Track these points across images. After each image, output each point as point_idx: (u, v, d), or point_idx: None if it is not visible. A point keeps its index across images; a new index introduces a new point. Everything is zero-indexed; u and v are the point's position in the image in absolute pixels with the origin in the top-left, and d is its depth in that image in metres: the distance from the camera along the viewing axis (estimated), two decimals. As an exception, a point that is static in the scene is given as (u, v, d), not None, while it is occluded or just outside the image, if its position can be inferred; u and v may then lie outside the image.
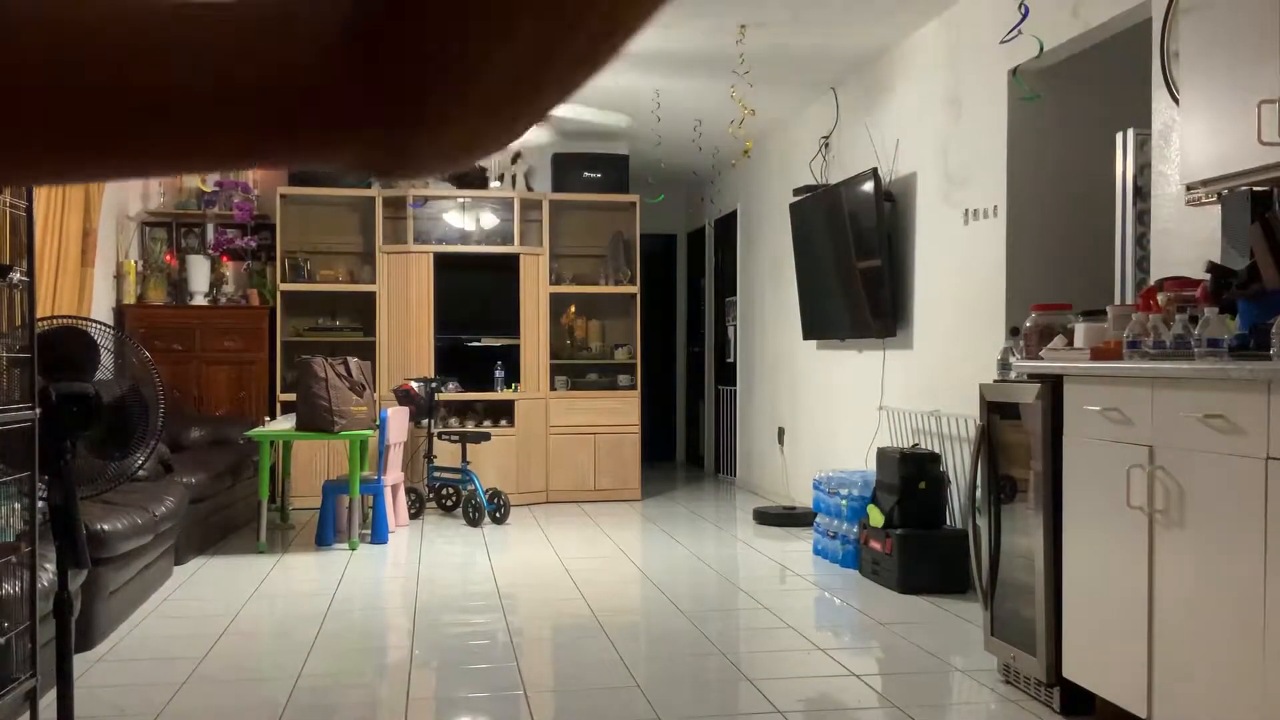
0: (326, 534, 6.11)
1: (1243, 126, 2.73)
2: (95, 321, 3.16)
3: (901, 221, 5.68)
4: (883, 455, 5.06)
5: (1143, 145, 3.70)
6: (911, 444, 5.46)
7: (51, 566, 2.99)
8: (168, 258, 7.68)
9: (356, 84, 0.33)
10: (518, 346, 7.78)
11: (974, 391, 3.86)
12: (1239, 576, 2.37)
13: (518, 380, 7.73)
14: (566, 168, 8.02)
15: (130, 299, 7.47)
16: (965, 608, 4.44)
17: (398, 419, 6.55)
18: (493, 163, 7.88)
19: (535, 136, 6.59)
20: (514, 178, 7.95)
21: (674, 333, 10.79)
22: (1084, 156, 4.57)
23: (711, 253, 9.84)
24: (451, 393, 7.61)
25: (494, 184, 7.92)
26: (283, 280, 7.55)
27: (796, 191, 6.89)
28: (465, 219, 7.95)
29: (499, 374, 7.70)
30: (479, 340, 7.83)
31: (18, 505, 2.90)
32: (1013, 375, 3.54)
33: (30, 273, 2.92)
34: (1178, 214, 3.50)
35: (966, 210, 5.02)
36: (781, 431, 7.77)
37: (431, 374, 7.48)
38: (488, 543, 6.19)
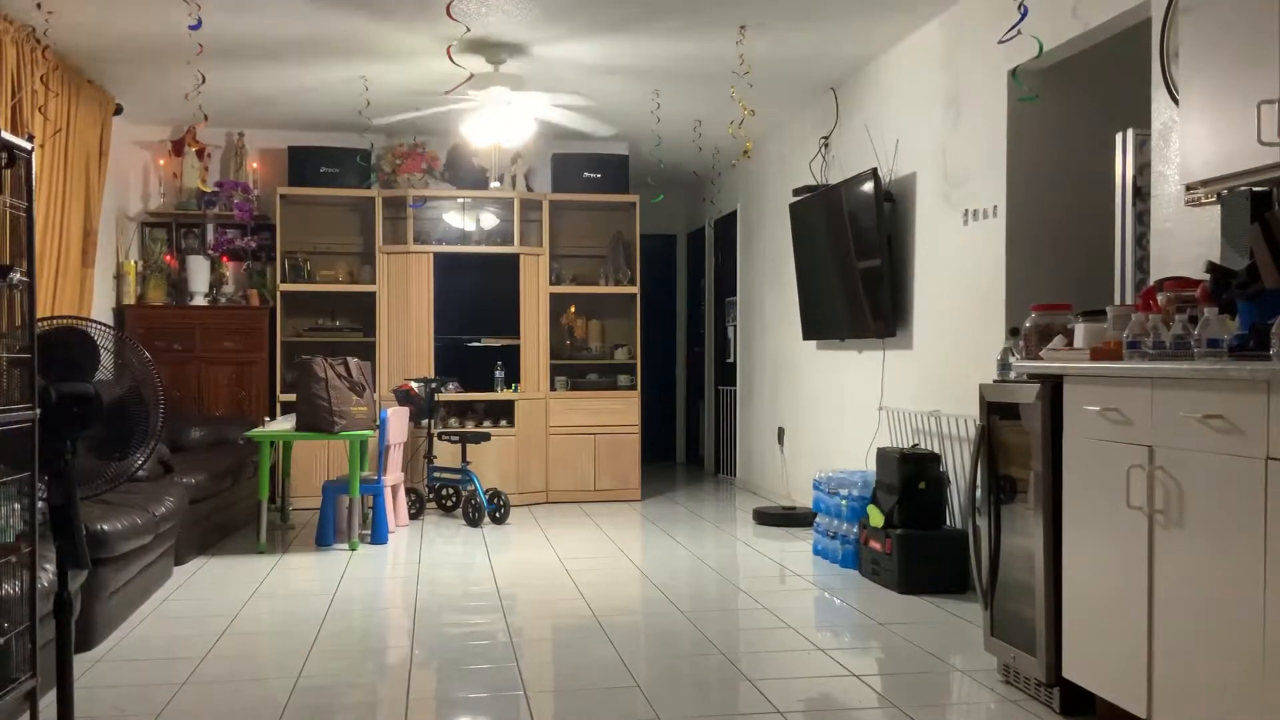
0: (326, 534, 6.11)
1: (1243, 126, 2.72)
2: (95, 322, 3.16)
3: (901, 222, 5.68)
4: (883, 455, 5.06)
5: (1143, 145, 3.70)
6: (911, 444, 5.46)
7: (51, 567, 2.99)
8: (168, 258, 7.68)
9: None
10: (518, 347, 7.78)
11: (974, 392, 3.86)
12: (1239, 576, 2.37)
13: (518, 380, 7.73)
14: (566, 168, 8.02)
15: (130, 299, 7.47)
16: (965, 608, 4.44)
17: (398, 419, 6.55)
18: (492, 163, 7.88)
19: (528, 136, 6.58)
20: (514, 178, 7.95)
21: (674, 333, 10.79)
22: (1084, 156, 4.57)
23: (711, 253, 9.84)
24: (451, 393, 7.61)
25: (494, 184, 7.91)
26: (283, 280, 7.55)
27: (796, 191, 6.88)
28: (465, 219, 7.95)
29: (499, 374, 7.70)
30: (479, 340, 7.83)
31: (17, 505, 2.90)
32: (1013, 375, 3.54)
33: (30, 273, 2.91)
34: (1178, 214, 3.50)
35: (966, 210, 5.02)
36: (781, 431, 7.77)
37: (431, 374, 7.48)
38: (488, 543, 6.19)
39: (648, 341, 8.89)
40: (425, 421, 7.15)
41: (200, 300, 7.62)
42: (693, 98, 6.79)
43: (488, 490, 6.91)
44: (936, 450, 5.11)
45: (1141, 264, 3.69)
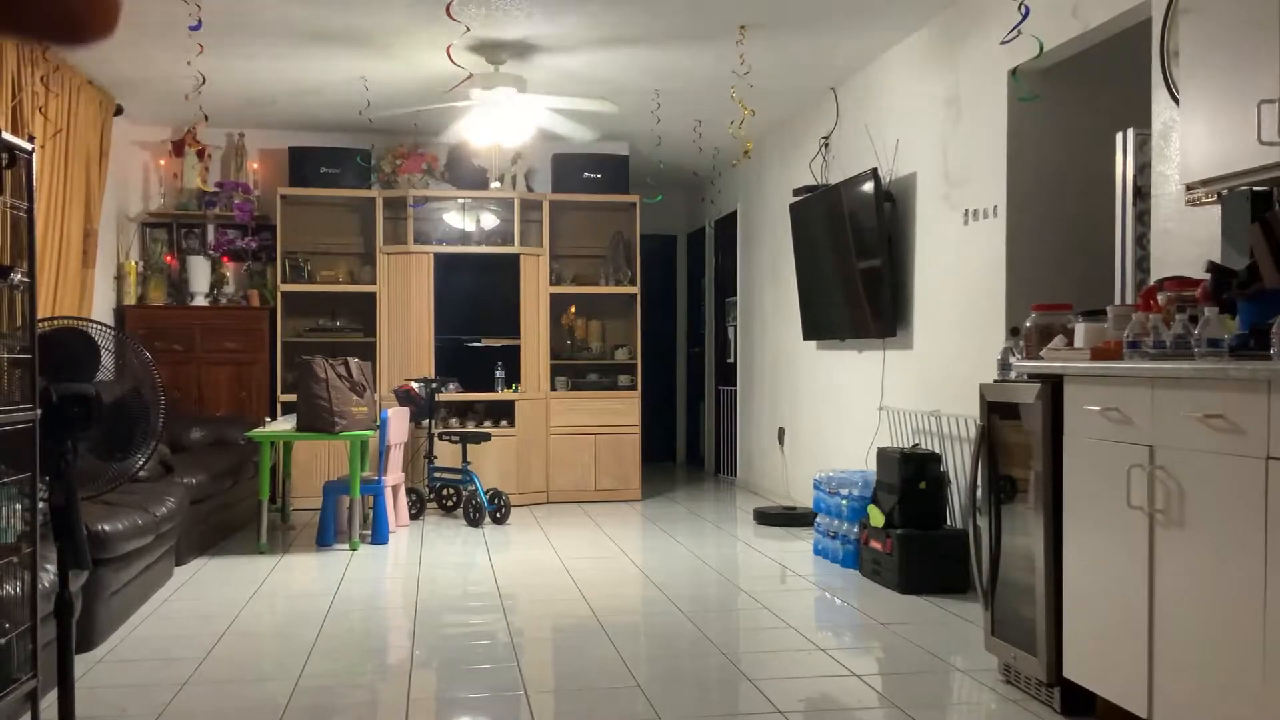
0: (327, 534, 6.11)
1: (1243, 126, 2.73)
2: (96, 322, 3.16)
3: (901, 221, 5.68)
4: (883, 455, 5.06)
5: (1143, 145, 3.70)
6: (912, 444, 5.46)
7: (52, 567, 2.99)
8: (168, 258, 7.69)
9: None
10: (518, 347, 7.78)
11: (974, 391, 3.86)
12: (1239, 576, 2.37)
13: (518, 381, 7.73)
14: (566, 168, 8.02)
15: (131, 300, 7.48)
16: (965, 608, 4.44)
17: (398, 419, 6.55)
18: (492, 163, 7.88)
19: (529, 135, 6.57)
20: (514, 178, 7.95)
21: (674, 333, 10.79)
22: (1084, 156, 4.57)
23: (711, 253, 9.84)
24: (452, 393, 7.61)
25: (494, 184, 7.92)
26: (283, 281, 7.55)
27: (796, 191, 6.89)
28: (465, 219, 7.95)
29: (499, 374, 7.70)
30: (479, 341, 7.84)
31: (19, 506, 2.90)
32: (1013, 375, 3.54)
33: (31, 274, 2.92)
34: (1178, 214, 3.50)
35: (966, 210, 5.02)
36: (781, 431, 7.77)
37: (432, 374, 7.49)
38: (488, 543, 6.19)
39: (648, 342, 8.89)
40: (426, 421, 7.15)
41: (201, 301, 7.62)
42: (693, 98, 6.79)
43: (488, 490, 6.91)
44: (937, 450, 5.11)
45: (1142, 264, 3.69)
